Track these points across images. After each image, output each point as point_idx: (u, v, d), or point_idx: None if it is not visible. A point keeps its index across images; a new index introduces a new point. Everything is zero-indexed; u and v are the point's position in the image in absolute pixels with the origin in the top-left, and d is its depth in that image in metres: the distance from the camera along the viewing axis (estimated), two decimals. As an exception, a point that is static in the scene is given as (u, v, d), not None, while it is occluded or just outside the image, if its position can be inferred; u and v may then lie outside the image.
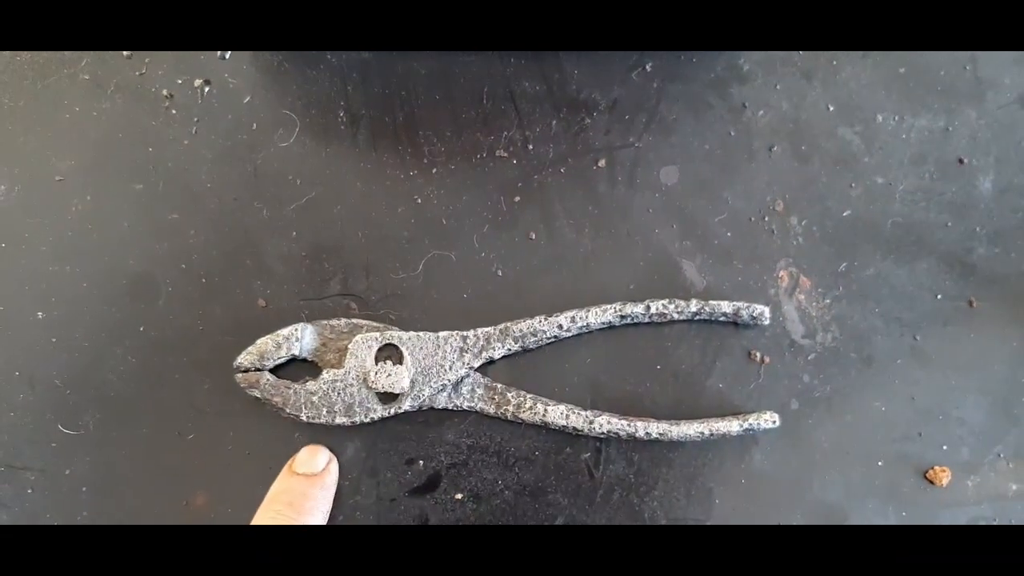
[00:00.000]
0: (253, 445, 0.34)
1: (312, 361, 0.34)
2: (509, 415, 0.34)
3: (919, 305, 0.36)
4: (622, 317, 0.34)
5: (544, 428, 0.34)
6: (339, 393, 0.33)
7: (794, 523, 0.35)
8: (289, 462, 0.34)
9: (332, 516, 0.34)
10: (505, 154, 0.37)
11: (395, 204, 0.36)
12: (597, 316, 0.34)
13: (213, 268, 0.35)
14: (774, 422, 0.34)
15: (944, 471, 0.35)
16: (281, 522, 0.31)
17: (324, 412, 0.33)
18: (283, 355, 0.33)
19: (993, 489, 0.35)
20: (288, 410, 0.33)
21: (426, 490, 0.34)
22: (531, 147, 0.37)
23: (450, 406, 0.34)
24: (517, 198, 0.36)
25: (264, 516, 0.32)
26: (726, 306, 0.34)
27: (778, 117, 0.37)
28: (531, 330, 0.34)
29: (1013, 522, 0.35)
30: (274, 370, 0.34)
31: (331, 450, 0.34)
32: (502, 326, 0.34)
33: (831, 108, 0.37)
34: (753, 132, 0.37)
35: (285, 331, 0.33)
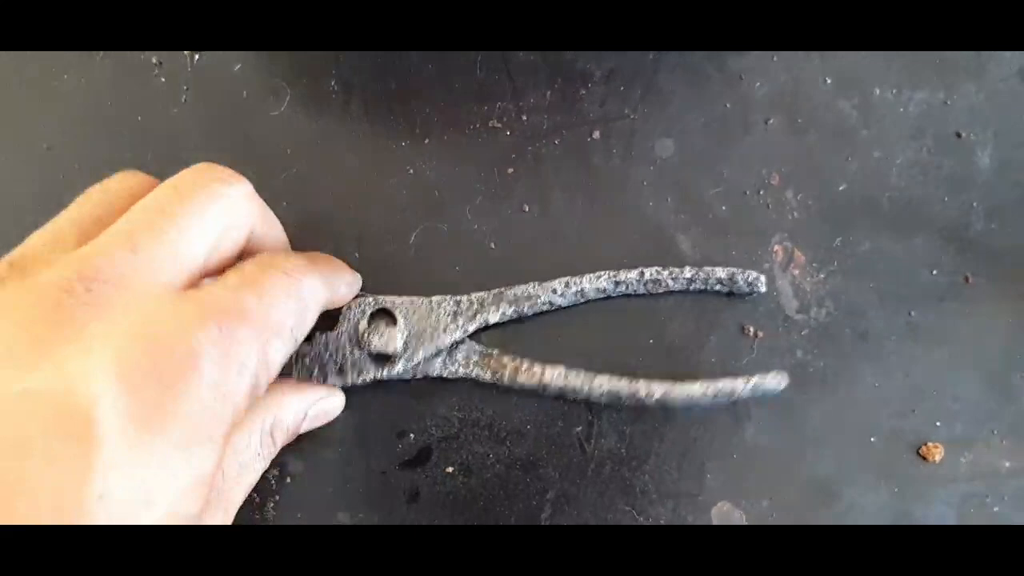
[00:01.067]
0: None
1: None
2: (506, 379, 0.34)
3: (914, 280, 0.36)
4: (616, 284, 0.34)
5: (536, 400, 0.34)
6: (331, 354, 0.33)
7: (785, 499, 0.34)
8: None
9: (322, 490, 0.34)
10: (499, 124, 0.36)
11: (387, 175, 0.35)
12: (591, 282, 0.34)
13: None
14: (782, 382, 0.33)
15: (937, 447, 0.35)
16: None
17: (316, 372, 0.33)
18: None
19: (986, 465, 0.35)
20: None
21: (417, 463, 0.34)
22: (525, 118, 0.36)
23: (445, 373, 0.34)
24: (511, 169, 0.36)
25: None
26: (720, 271, 0.34)
27: (775, 89, 0.37)
28: (525, 295, 0.34)
29: (1006, 499, 0.35)
30: None
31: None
32: (496, 291, 0.34)
33: (828, 81, 0.37)
34: (749, 104, 0.37)
35: None
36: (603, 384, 0.33)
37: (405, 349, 0.33)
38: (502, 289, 0.34)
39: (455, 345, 0.34)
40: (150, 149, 0.35)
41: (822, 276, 0.36)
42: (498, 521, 0.34)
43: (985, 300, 0.36)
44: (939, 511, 0.35)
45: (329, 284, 0.29)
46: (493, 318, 0.34)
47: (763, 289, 0.35)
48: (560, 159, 0.36)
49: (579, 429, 0.35)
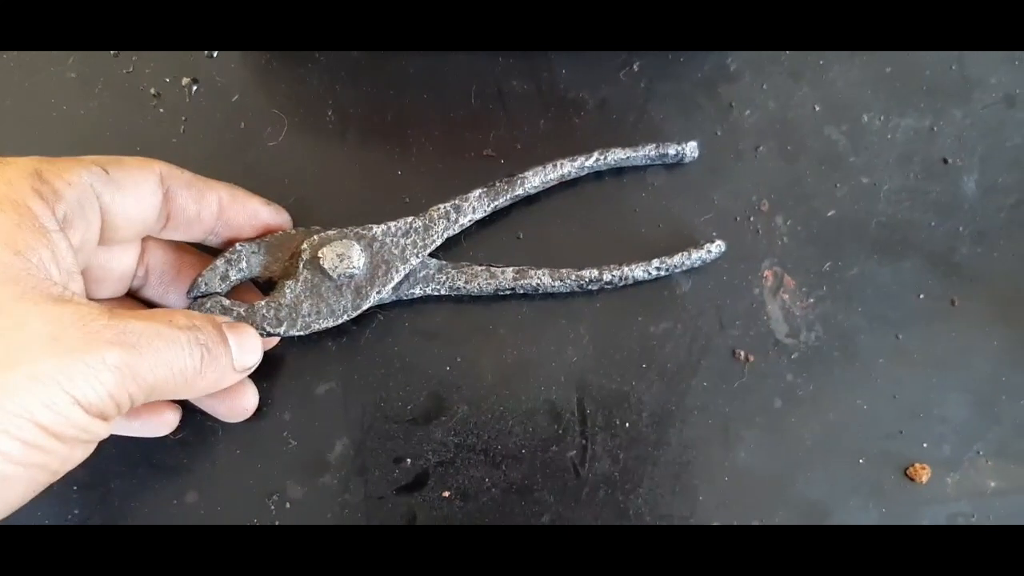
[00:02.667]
0: (243, 443, 0.35)
1: (267, 278, 0.34)
2: (476, 290, 0.35)
3: (902, 304, 0.37)
4: (561, 176, 0.36)
5: (530, 425, 0.35)
6: (300, 300, 0.33)
7: (777, 520, 0.35)
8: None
9: (321, 515, 0.34)
10: (494, 153, 0.37)
11: (383, 203, 0.36)
12: (547, 173, 0.35)
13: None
14: (720, 249, 0.35)
15: (924, 468, 0.36)
16: None
17: (290, 322, 0.32)
18: (234, 278, 0.33)
19: (972, 486, 0.36)
20: (266, 327, 0.32)
21: (414, 488, 0.35)
22: (519, 146, 0.37)
23: (418, 293, 0.35)
24: (505, 198, 0.36)
25: None
26: (648, 148, 0.36)
27: (765, 117, 0.37)
28: (479, 202, 0.35)
29: (992, 519, 0.36)
30: (230, 294, 0.33)
31: (321, 447, 0.35)
32: (453, 202, 0.35)
33: (817, 108, 0.37)
34: (740, 132, 0.37)
35: (226, 253, 0.33)
36: (569, 275, 0.35)
37: (371, 274, 0.33)
38: (456, 201, 0.35)
39: (419, 264, 0.34)
40: (149, 179, 0.36)
41: (812, 300, 0.36)
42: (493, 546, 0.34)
43: (971, 323, 0.37)
44: (927, 531, 0.35)
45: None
46: (452, 231, 0.35)
47: (696, 154, 0.36)
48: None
49: (573, 453, 0.35)
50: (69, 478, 0.34)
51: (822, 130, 0.37)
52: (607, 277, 0.35)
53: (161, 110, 0.36)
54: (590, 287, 0.35)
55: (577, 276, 0.35)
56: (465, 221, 0.35)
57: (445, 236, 0.35)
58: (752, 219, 0.37)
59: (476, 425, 0.35)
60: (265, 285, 0.34)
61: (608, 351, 0.36)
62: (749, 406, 0.35)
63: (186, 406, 0.34)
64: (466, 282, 0.35)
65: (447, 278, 0.35)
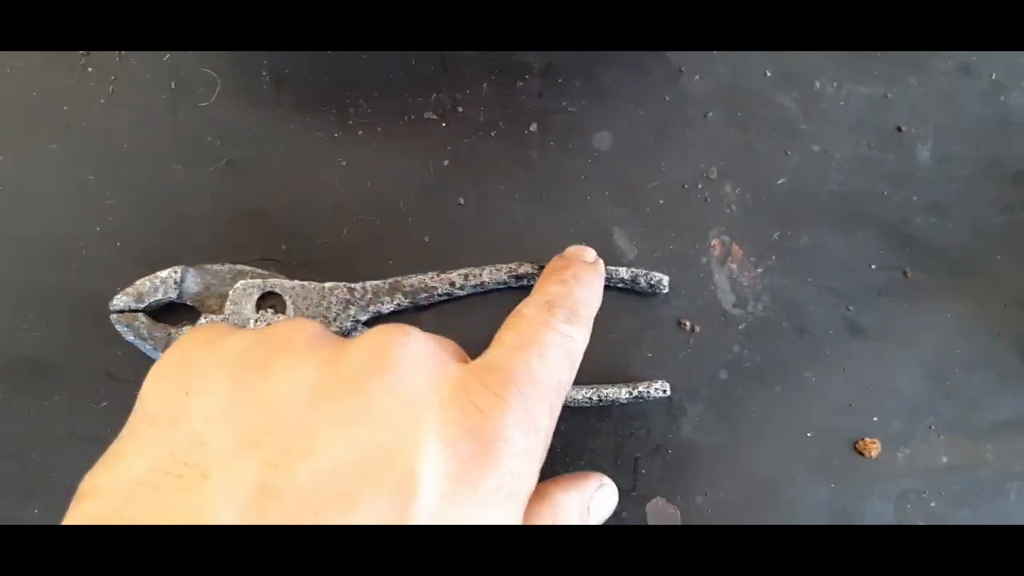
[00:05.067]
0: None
1: (192, 306, 0.33)
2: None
3: (853, 276, 0.36)
4: (516, 278, 0.34)
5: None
6: None
7: (722, 494, 0.34)
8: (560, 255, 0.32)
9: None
10: (434, 117, 0.36)
11: (319, 167, 0.35)
12: (491, 275, 0.33)
13: (130, 231, 0.34)
14: (665, 391, 0.33)
15: (874, 443, 0.35)
16: (570, 289, 0.29)
17: None
18: (161, 297, 0.32)
19: (924, 461, 0.35)
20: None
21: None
22: (461, 110, 0.36)
23: None
24: (446, 162, 0.35)
25: (554, 282, 0.29)
26: (624, 272, 0.34)
27: (715, 82, 0.36)
28: (422, 285, 0.33)
29: (944, 495, 0.35)
30: (153, 314, 0.33)
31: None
32: (392, 280, 0.33)
33: (769, 74, 0.37)
34: (689, 98, 0.36)
35: (163, 273, 0.32)
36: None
37: None
38: (398, 278, 0.33)
39: (346, 332, 0.33)
40: (77, 140, 0.34)
41: (760, 271, 0.35)
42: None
43: (924, 295, 0.36)
44: (877, 507, 0.35)
45: (588, 324, 0.29)
46: (387, 308, 0.33)
47: (666, 290, 0.34)
48: (497, 152, 0.36)
49: (513, 425, 0.34)
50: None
51: (773, 97, 0.36)
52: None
53: (90, 69, 0.35)
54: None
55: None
56: (407, 303, 0.34)
57: (388, 310, 0.34)
58: (700, 187, 0.36)
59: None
60: (189, 310, 0.34)
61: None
62: (694, 378, 0.34)
63: (107, 371, 0.33)
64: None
65: None
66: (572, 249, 0.32)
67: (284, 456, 0.21)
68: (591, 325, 0.29)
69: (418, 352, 0.24)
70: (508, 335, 0.27)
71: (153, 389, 0.25)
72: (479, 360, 0.26)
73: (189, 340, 0.27)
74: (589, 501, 0.29)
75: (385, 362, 0.23)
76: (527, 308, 0.28)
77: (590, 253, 0.32)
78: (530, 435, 0.24)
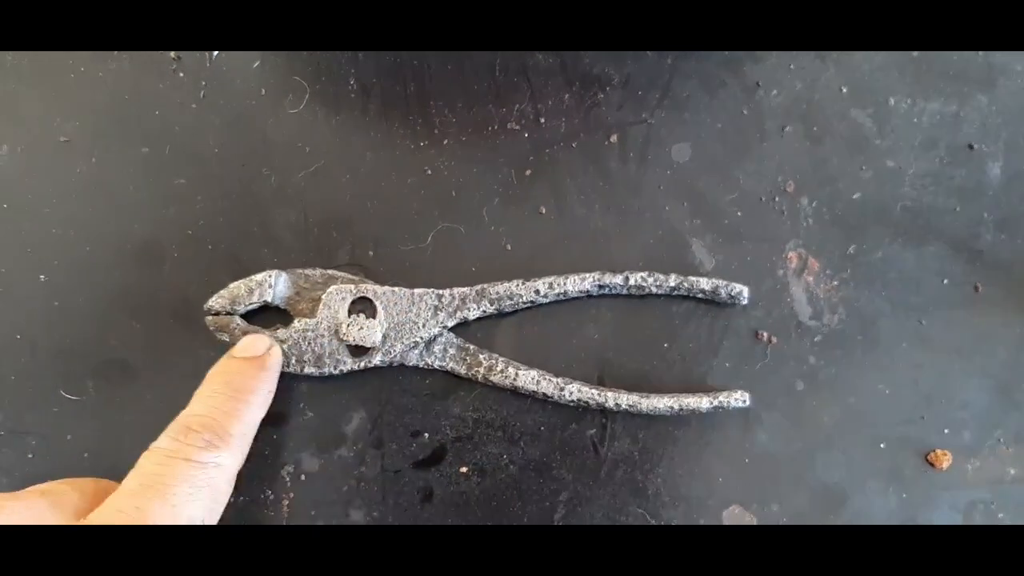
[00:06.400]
0: (258, 414, 0.34)
1: (285, 309, 0.34)
2: (480, 377, 0.34)
3: (925, 289, 0.36)
4: (600, 287, 0.34)
5: (549, 404, 0.34)
6: (309, 343, 0.33)
7: (795, 503, 0.35)
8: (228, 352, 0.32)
9: (336, 488, 0.34)
10: (517, 127, 0.36)
11: (405, 175, 0.35)
12: (575, 284, 0.34)
13: (220, 235, 0.35)
14: (744, 401, 0.34)
15: (945, 454, 0.35)
16: (218, 403, 0.29)
17: (293, 361, 0.33)
18: (255, 301, 0.33)
19: (992, 473, 0.36)
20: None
21: (431, 463, 0.34)
22: (543, 120, 0.36)
23: (421, 364, 0.34)
24: (528, 172, 0.36)
25: (201, 397, 0.30)
26: (704, 283, 0.34)
27: (791, 97, 0.37)
28: (507, 293, 0.34)
29: (1011, 506, 0.35)
30: (247, 316, 0.34)
31: (338, 420, 0.34)
32: (479, 287, 0.34)
33: (844, 90, 0.37)
34: (766, 112, 0.37)
35: (258, 276, 0.33)
36: (573, 391, 0.33)
37: (383, 342, 0.33)
38: (484, 286, 0.34)
39: (433, 337, 0.34)
40: (167, 144, 0.35)
41: (835, 283, 0.36)
42: (511, 522, 0.34)
43: (994, 310, 0.36)
44: (945, 517, 0.35)
45: (243, 440, 0.29)
46: (473, 314, 0.34)
47: (745, 301, 0.35)
48: (577, 162, 0.36)
49: (592, 432, 0.35)
50: (79, 444, 0.33)
51: (848, 112, 0.37)
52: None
53: (181, 74, 0.36)
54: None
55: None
56: (493, 310, 0.34)
57: (474, 317, 0.34)
58: (777, 200, 0.36)
59: (495, 401, 0.35)
60: (281, 313, 0.34)
61: (629, 330, 0.35)
62: (770, 388, 0.35)
63: (196, 372, 0.34)
64: (478, 370, 0.34)
65: (462, 358, 0.34)
66: (241, 343, 0.32)
67: None
68: (251, 437, 0.29)
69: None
70: (129, 479, 0.26)
71: None
72: (94, 513, 0.25)
73: None
74: None
75: None
76: (160, 440, 0.28)
77: (261, 343, 0.31)
78: None
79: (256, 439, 0.33)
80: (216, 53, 0.36)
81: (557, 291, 0.34)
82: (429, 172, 0.36)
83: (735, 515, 0.35)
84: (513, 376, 0.34)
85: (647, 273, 0.34)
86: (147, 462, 0.27)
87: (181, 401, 0.33)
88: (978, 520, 0.35)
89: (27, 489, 0.28)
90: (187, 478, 0.26)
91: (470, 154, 0.36)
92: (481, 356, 0.34)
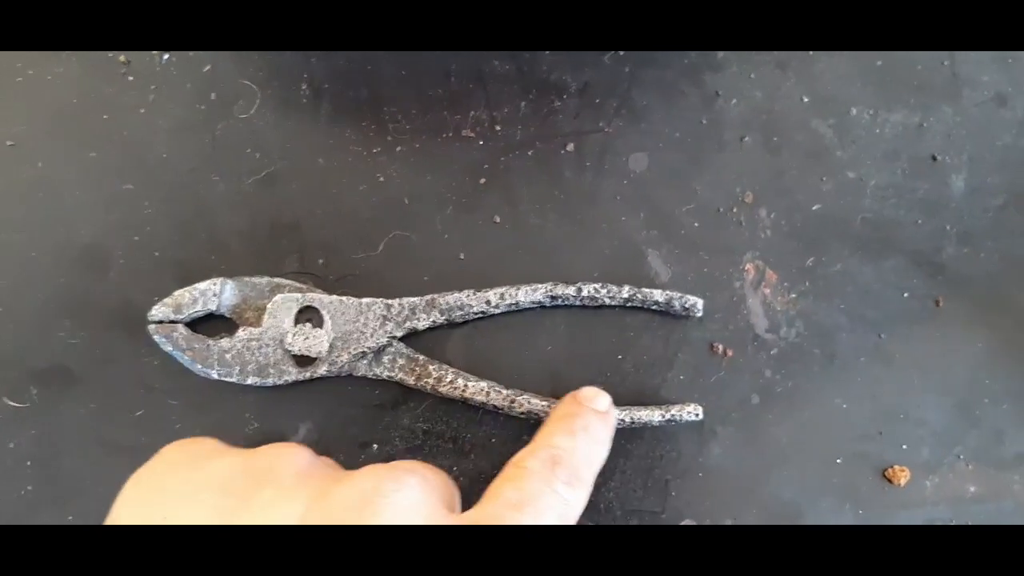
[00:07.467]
0: (203, 426, 0.33)
1: (230, 318, 0.33)
2: (428, 388, 0.33)
3: (885, 303, 0.36)
4: (552, 298, 0.34)
5: (501, 415, 0.34)
6: (253, 352, 0.32)
7: (750, 519, 0.34)
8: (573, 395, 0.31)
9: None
10: (471, 134, 0.36)
11: (356, 182, 0.35)
12: (527, 295, 0.33)
13: (166, 241, 0.34)
14: (697, 414, 0.33)
15: (903, 471, 0.35)
16: (578, 444, 0.28)
17: (237, 371, 0.32)
18: (199, 309, 0.32)
19: (951, 490, 0.35)
20: (200, 366, 0.32)
21: (378, 474, 0.34)
22: (498, 128, 0.36)
23: (369, 375, 0.33)
24: (482, 180, 0.35)
25: (561, 434, 0.28)
26: (658, 295, 0.34)
27: (751, 107, 0.36)
28: (458, 303, 0.33)
29: (970, 523, 0.35)
30: (191, 325, 0.33)
31: (283, 431, 0.34)
32: (428, 297, 0.33)
33: (805, 100, 0.37)
34: (725, 122, 0.36)
35: (203, 285, 0.33)
36: (524, 404, 0.33)
37: (330, 352, 0.33)
38: (434, 296, 0.34)
39: (382, 347, 0.33)
40: (116, 148, 0.35)
41: (793, 296, 0.35)
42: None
43: (955, 324, 0.36)
44: (903, 535, 0.35)
45: (589, 486, 0.28)
46: (423, 325, 0.33)
47: (700, 314, 0.34)
48: (532, 171, 0.36)
49: (544, 444, 0.34)
50: (21, 452, 0.33)
51: (809, 122, 0.37)
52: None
53: (130, 78, 0.35)
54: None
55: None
56: (443, 320, 0.34)
57: (423, 327, 0.34)
58: (735, 211, 0.36)
59: (445, 412, 0.34)
60: (227, 322, 0.34)
61: (583, 341, 0.35)
62: (725, 401, 0.35)
63: (141, 381, 0.33)
64: (427, 381, 0.33)
65: (411, 369, 0.34)
66: (586, 392, 0.31)
67: None
68: (592, 486, 0.28)
69: (406, 502, 0.24)
70: (507, 489, 0.26)
71: (130, 503, 0.25)
72: (472, 512, 0.25)
73: (172, 455, 0.26)
74: None
75: (371, 511, 0.23)
76: (531, 460, 0.27)
77: (603, 400, 0.31)
78: None
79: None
80: (167, 56, 0.35)
81: (508, 302, 0.34)
82: (381, 179, 0.35)
83: (687, 531, 0.34)
84: (463, 388, 0.33)
85: (600, 284, 0.34)
86: (522, 478, 0.27)
87: (125, 409, 0.33)
88: (936, 538, 0.35)
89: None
90: (553, 508, 0.26)
91: (424, 161, 0.35)
92: (431, 367, 0.34)
